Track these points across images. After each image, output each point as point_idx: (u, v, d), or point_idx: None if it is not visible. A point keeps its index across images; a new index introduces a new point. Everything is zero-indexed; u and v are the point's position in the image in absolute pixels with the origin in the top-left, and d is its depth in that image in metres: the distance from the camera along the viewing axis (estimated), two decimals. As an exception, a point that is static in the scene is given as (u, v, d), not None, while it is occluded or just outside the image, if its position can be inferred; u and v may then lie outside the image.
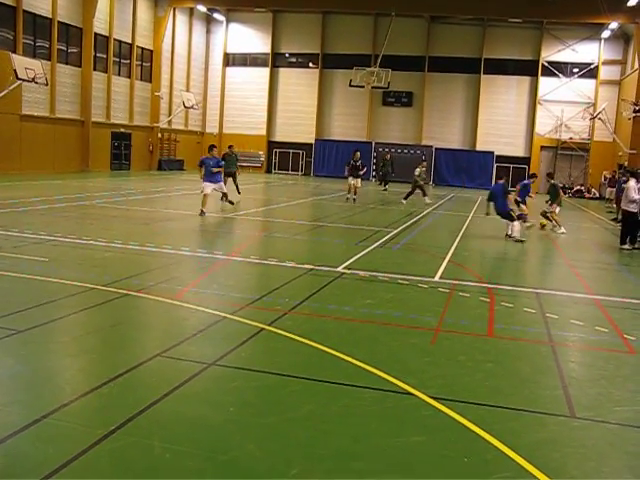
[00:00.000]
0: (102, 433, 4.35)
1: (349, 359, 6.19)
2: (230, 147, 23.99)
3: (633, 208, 15.68)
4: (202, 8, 45.32)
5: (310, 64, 47.25)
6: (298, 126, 47.78)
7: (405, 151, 45.40)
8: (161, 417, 4.73)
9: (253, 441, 4.42)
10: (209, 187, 17.98)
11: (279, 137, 48.59)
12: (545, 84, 43.82)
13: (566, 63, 43.51)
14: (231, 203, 19.47)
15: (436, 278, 10.75)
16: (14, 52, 29.25)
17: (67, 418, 4.64)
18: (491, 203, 17.06)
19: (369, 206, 24.53)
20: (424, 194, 26.41)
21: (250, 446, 4.34)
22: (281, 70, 48.13)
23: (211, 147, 18.87)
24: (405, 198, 25.81)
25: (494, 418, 5.07)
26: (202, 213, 17.45)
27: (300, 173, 47.92)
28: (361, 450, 4.40)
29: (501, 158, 44.38)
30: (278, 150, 48.30)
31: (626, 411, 5.36)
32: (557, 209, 19.49)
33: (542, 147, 44.30)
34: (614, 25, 39.34)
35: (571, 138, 43.51)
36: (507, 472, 4.17)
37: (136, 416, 4.67)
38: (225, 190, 19.05)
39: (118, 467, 4.00)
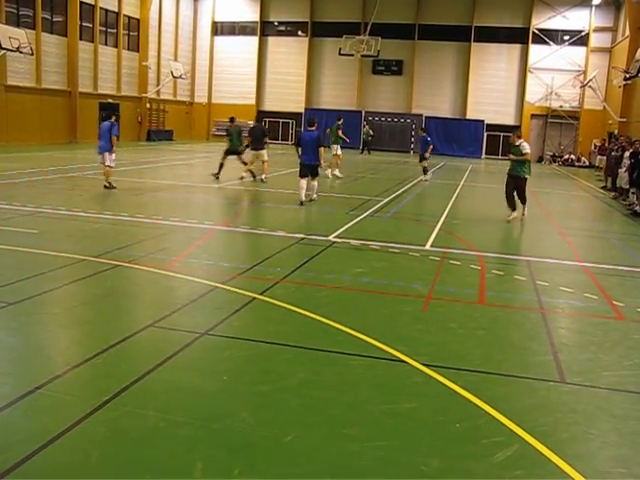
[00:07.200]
0: (96, 403, 4.37)
1: (341, 327, 6.22)
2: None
3: None
4: (189, -25, 44.59)
5: (299, 32, 46.65)
6: (287, 95, 47.37)
7: (395, 120, 45.24)
8: (155, 387, 4.75)
9: (247, 409, 4.45)
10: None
11: (268, 106, 48.18)
12: (535, 52, 43.48)
13: (557, 30, 43.12)
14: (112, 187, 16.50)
15: (427, 246, 10.79)
16: (-3, 21, 28.74)
17: (61, 389, 4.65)
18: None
19: (359, 175, 24.47)
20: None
21: (244, 414, 4.37)
22: (270, 39, 47.57)
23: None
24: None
25: (485, 384, 5.12)
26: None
27: (290, 142, 47.59)
28: (353, 417, 4.44)
29: (491, 126, 44.22)
30: (268, 119, 47.89)
31: (614, 376, 5.42)
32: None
33: (532, 115, 44.11)
34: (605, -9, 39.10)
35: (561, 106, 43.34)
36: (498, 437, 4.23)
37: (130, 386, 4.69)
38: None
39: (113, 436, 4.02)
